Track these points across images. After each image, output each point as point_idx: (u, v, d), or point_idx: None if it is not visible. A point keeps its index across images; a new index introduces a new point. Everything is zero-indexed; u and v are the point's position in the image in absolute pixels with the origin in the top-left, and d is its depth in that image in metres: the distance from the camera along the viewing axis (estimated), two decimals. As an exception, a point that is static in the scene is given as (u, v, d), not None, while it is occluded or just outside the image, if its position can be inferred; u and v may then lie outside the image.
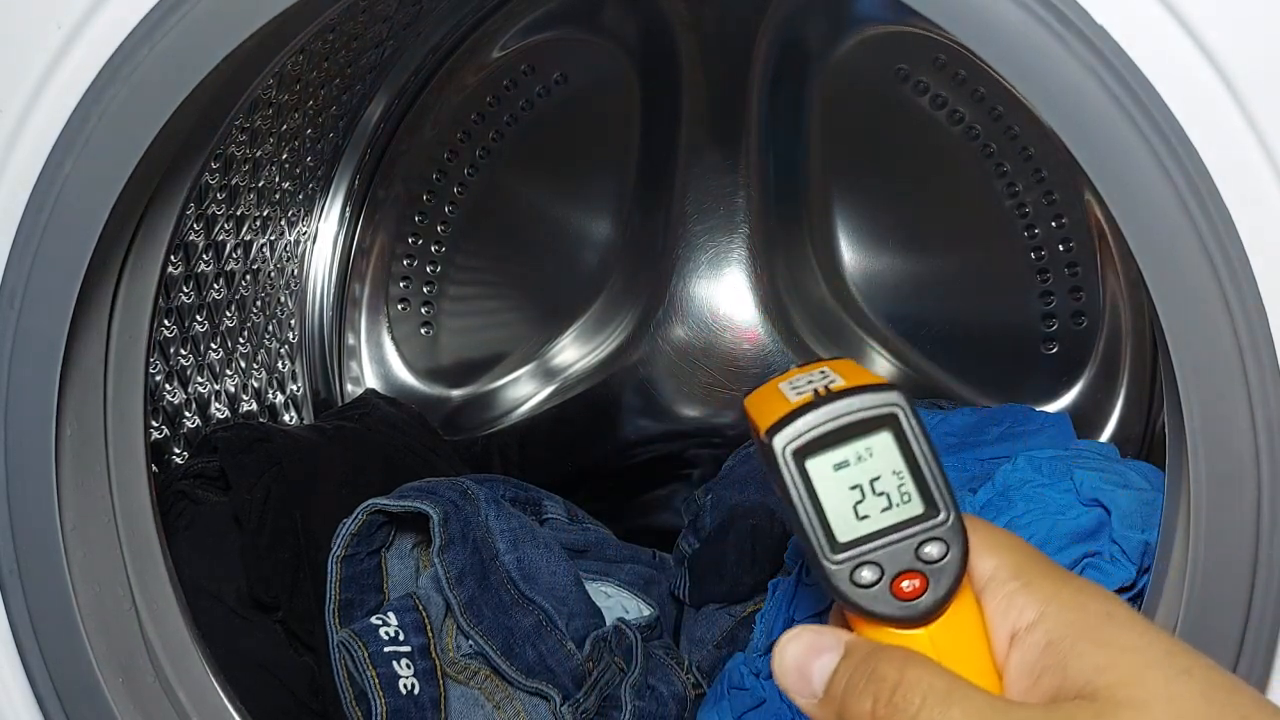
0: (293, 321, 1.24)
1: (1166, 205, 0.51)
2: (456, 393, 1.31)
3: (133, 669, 0.69)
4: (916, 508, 0.42)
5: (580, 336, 1.30)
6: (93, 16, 0.59)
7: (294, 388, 1.24)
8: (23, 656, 0.65)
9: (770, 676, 0.73)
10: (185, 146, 0.67)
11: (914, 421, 0.42)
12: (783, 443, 0.42)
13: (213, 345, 1.07)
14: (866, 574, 0.42)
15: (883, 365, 1.23)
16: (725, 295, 1.27)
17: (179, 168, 0.68)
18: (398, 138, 1.26)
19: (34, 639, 0.65)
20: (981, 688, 0.40)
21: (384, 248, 1.28)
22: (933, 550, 0.42)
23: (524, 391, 1.31)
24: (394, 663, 0.82)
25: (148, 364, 0.72)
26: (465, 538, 0.85)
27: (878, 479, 0.42)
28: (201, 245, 1.02)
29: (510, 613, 0.85)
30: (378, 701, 0.80)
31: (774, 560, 0.95)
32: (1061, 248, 1.16)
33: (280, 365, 1.21)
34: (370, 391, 1.25)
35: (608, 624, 0.91)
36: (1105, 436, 1.17)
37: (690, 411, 1.28)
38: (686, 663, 0.95)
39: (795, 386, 0.44)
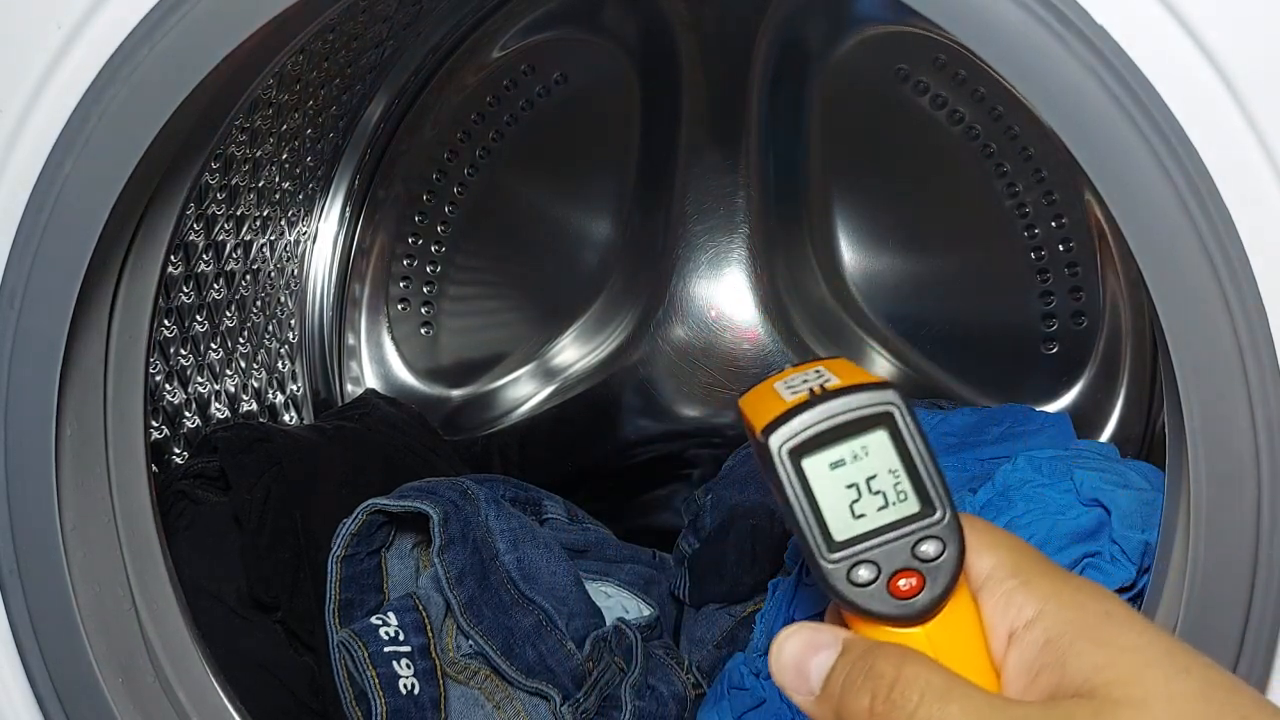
0: (293, 321, 1.24)
1: (1166, 205, 0.51)
2: (456, 393, 1.31)
3: (133, 669, 0.69)
4: (912, 506, 0.42)
5: (580, 336, 1.30)
6: (93, 16, 0.59)
7: (294, 388, 1.24)
8: (23, 656, 0.65)
9: (770, 676, 0.73)
10: (185, 146, 0.67)
11: (910, 420, 0.42)
12: (778, 442, 0.42)
13: (213, 345, 1.07)
14: (863, 572, 0.42)
15: (883, 365, 1.23)
16: (725, 295, 1.27)
17: (179, 168, 0.68)
18: (398, 138, 1.26)
19: (34, 639, 0.65)
20: (979, 685, 0.40)
21: (384, 248, 1.28)
22: (929, 548, 0.42)
23: (524, 391, 1.31)
24: (394, 663, 0.82)
25: (148, 364, 0.72)
26: (465, 538, 0.85)
27: (874, 477, 0.42)
28: (201, 245, 1.02)
29: (510, 613, 0.85)
30: (378, 701, 0.80)
31: (774, 560, 0.95)
32: (1061, 248, 1.16)
33: (280, 365, 1.21)
34: (370, 391, 1.25)
35: (608, 624, 0.91)
36: (1105, 436, 1.17)
37: (690, 411, 1.28)
38: (686, 663, 0.95)
39: (790, 386, 0.44)
